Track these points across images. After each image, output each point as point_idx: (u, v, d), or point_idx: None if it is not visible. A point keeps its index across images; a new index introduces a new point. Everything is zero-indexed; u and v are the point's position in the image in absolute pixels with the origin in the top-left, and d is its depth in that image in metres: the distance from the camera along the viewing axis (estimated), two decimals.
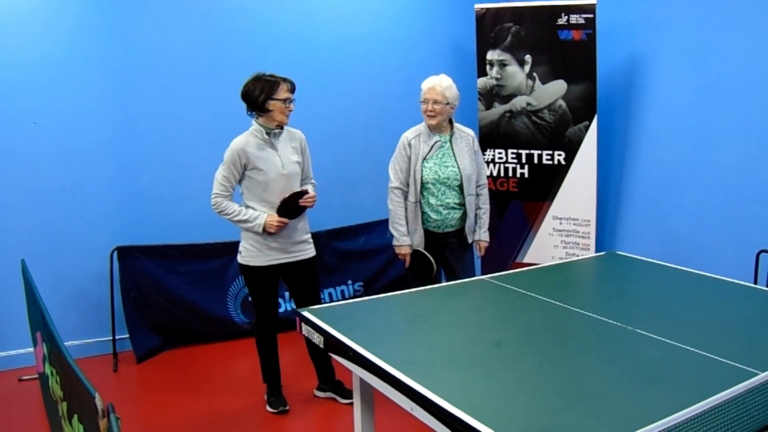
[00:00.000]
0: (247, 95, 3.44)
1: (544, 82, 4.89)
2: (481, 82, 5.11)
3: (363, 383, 2.54)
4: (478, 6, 5.01)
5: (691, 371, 2.05)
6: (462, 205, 3.86)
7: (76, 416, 2.65)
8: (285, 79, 3.48)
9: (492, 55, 5.03)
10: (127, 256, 4.45)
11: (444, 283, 3.23)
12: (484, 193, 3.98)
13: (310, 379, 3.99)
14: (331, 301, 5.10)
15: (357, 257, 5.29)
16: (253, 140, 3.47)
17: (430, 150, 3.77)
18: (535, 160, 4.99)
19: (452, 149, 3.81)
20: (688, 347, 2.23)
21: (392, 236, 3.89)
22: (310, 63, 4.98)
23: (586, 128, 4.82)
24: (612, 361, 2.16)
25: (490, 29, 4.99)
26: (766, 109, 4.01)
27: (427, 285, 3.20)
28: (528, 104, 4.97)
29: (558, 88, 4.88)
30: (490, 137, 5.08)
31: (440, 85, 3.75)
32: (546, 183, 4.99)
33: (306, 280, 3.70)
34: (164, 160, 4.65)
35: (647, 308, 2.71)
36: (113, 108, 4.47)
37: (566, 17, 4.71)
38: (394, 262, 5.47)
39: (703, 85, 4.35)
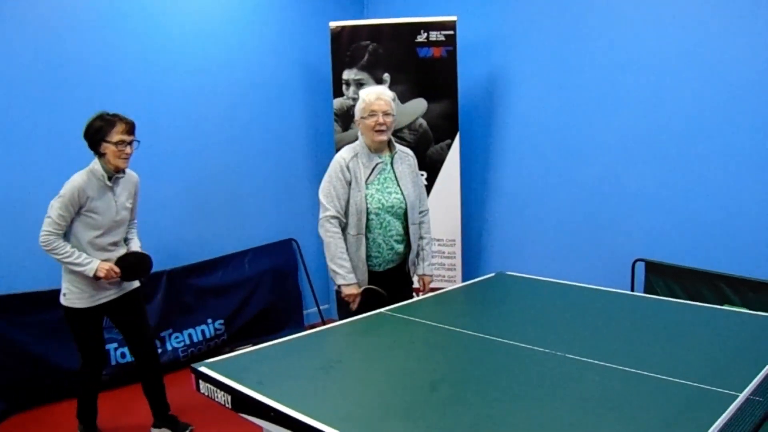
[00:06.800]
0: (84, 134, 3.24)
1: (403, 101, 4.79)
2: (338, 102, 4.92)
3: None
4: (333, 24, 4.83)
5: (642, 394, 1.97)
6: (405, 236, 3.33)
7: None
8: (122, 119, 3.24)
9: (348, 74, 4.86)
10: None
11: (343, 321, 2.94)
12: (426, 220, 3.46)
13: (199, 416, 3.68)
14: (193, 343, 4.63)
15: (215, 294, 4.87)
16: (94, 182, 3.24)
17: (371, 173, 3.23)
18: None
19: (394, 173, 3.30)
20: (621, 367, 2.16)
21: (334, 275, 3.19)
22: (151, 81, 4.49)
23: (449, 147, 4.78)
24: (559, 391, 2.03)
25: (346, 48, 4.82)
26: (625, 118, 4.19)
27: None
28: None
29: (418, 106, 4.80)
30: None
31: (386, 94, 3.24)
32: None
33: (135, 313, 3.54)
34: None
35: (562, 330, 2.63)
36: None
37: (426, 34, 4.66)
38: (253, 297, 5.11)
39: (563, 98, 4.48)
